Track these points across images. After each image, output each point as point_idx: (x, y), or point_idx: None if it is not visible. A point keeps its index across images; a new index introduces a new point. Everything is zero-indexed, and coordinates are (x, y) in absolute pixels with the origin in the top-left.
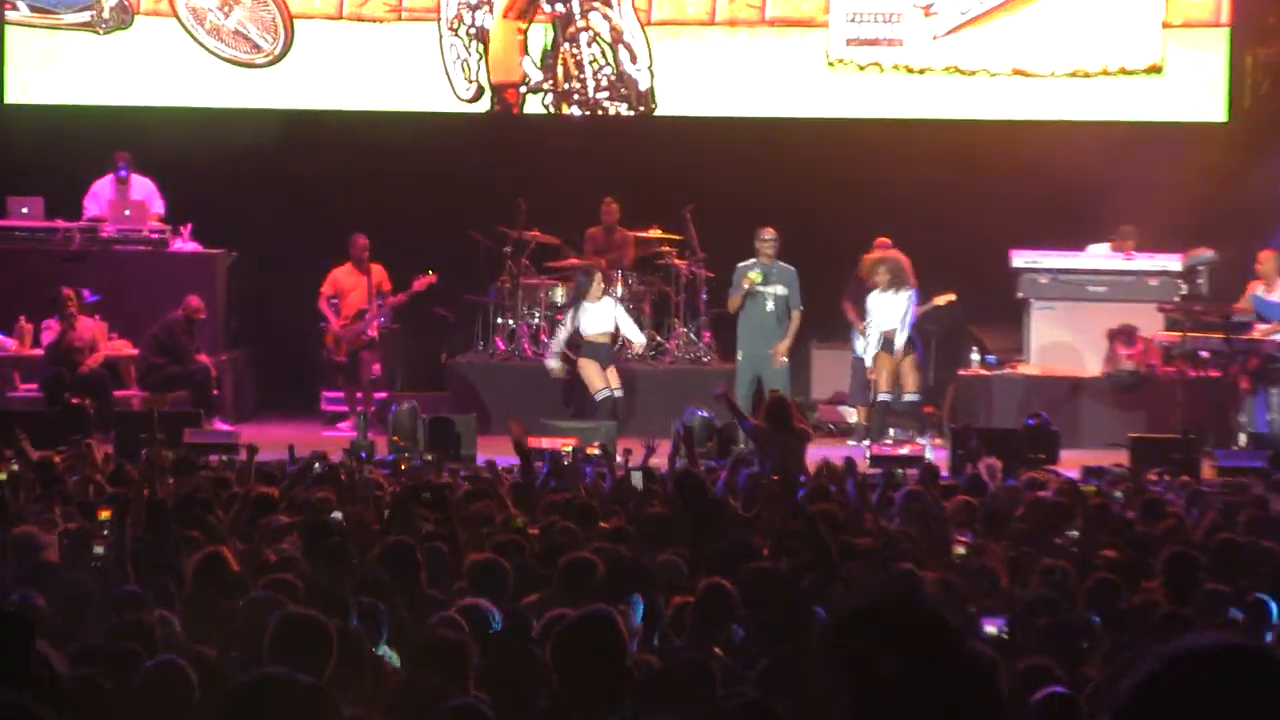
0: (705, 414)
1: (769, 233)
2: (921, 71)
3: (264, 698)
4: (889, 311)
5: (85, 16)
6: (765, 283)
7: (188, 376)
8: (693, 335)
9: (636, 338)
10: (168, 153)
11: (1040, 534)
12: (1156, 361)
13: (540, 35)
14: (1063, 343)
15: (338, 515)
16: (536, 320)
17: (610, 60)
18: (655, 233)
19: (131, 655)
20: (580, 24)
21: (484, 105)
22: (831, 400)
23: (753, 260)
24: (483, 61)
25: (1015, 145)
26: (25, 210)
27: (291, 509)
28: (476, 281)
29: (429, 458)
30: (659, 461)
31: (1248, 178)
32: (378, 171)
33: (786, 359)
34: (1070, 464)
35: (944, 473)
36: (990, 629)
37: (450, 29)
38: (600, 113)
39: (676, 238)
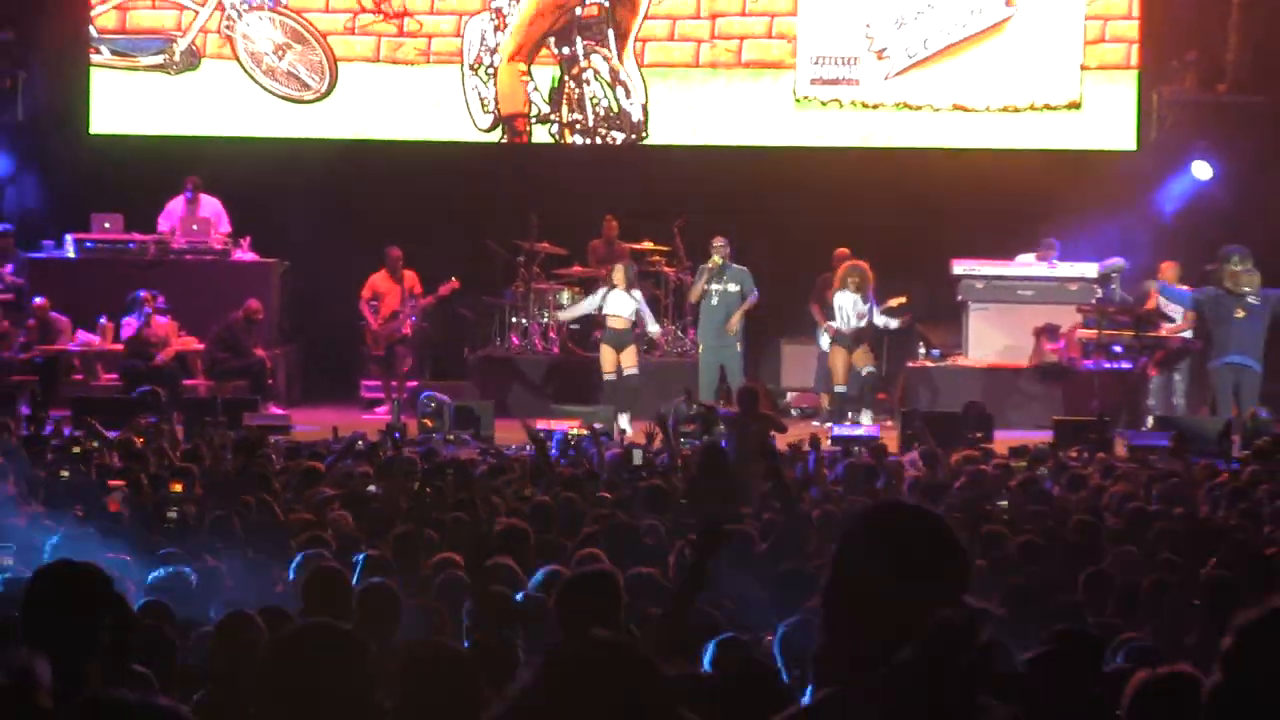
0: (681, 400)
1: (719, 240)
2: (875, 107)
3: (308, 641)
4: (850, 311)
5: (159, 59)
6: (719, 279)
7: (247, 368)
8: (679, 332)
9: (653, 328)
10: (230, 176)
11: (976, 502)
12: (1076, 354)
13: (548, 75)
14: (996, 339)
15: (373, 488)
16: (545, 320)
17: (608, 96)
18: (647, 244)
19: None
20: (583, 64)
21: (499, 135)
22: (799, 389)
23: (707, 264)
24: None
25: (955, 169)
26: (107, 225)
27: (335, 482)
28: (494, 286)
29: (452, 438)
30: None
31: (1153, 198)
32: (409, 191)
33: (739, 338)
34: (1002, 443)
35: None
36: None
37: (471, 69)
38: (599, 141)
39: (665, 249)
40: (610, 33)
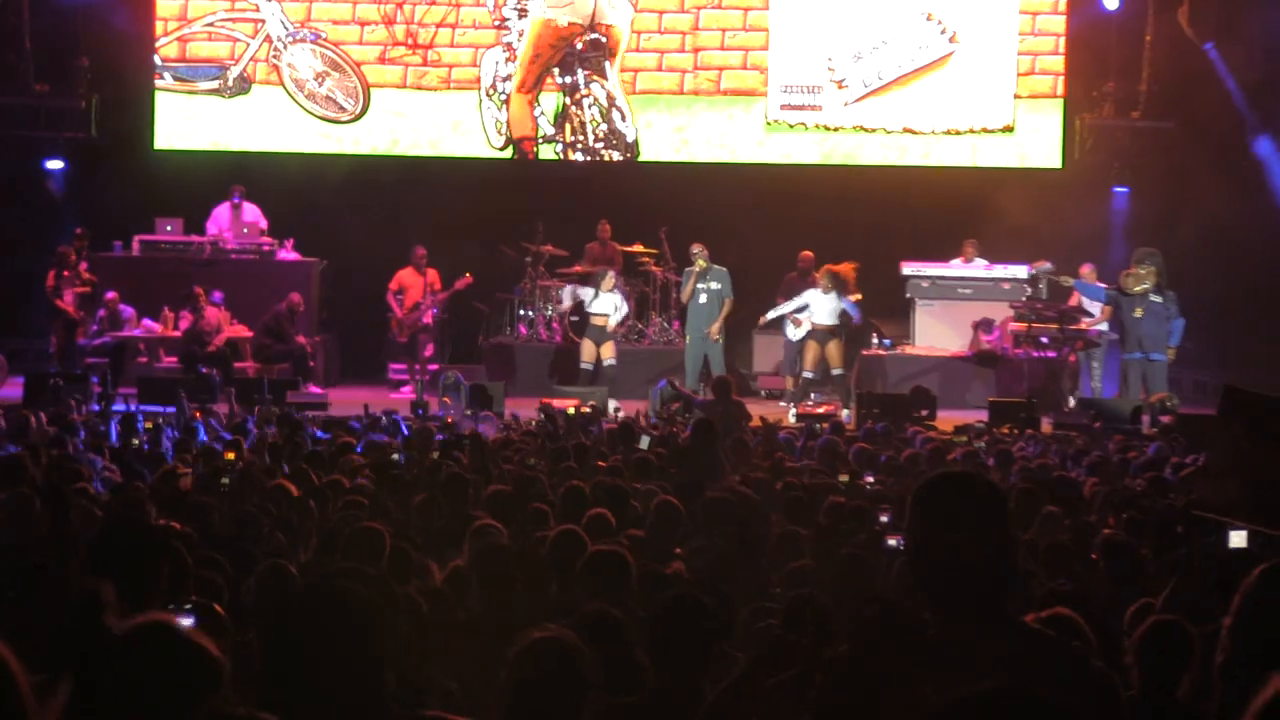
0: (675, 383)
1: (697, 247)
2: (836, 129)
3: (338, 586)
4: (822, 309)
5: (214, 85)
6: (704, 280)
7: (290, 353)
8: (665, 324)
9: (614, 319)
10: (278, 185)
11: (923, 473)
12: (1008, 345)
13: (553, 100)
14: (939, 330)
15: (397, 456)
16: (550, 313)
17: (605, 119)
18: (638, 247)
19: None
20: (584, 92)
21: (510, 153)
22: (770, 373)
23: (692, 266)
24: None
25: (905, 184)
26: (169, 228)
27: (364, 451)
28: (504, 283)
29: (469, 413)
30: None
31: (1076, 210)
32: (432, 200)
33: (721, 337)
34: (945, 421)
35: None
36: (891, 543)
37: (487, 95)
38: (597, 158)
39: (654, 251)
40: (607, 64)
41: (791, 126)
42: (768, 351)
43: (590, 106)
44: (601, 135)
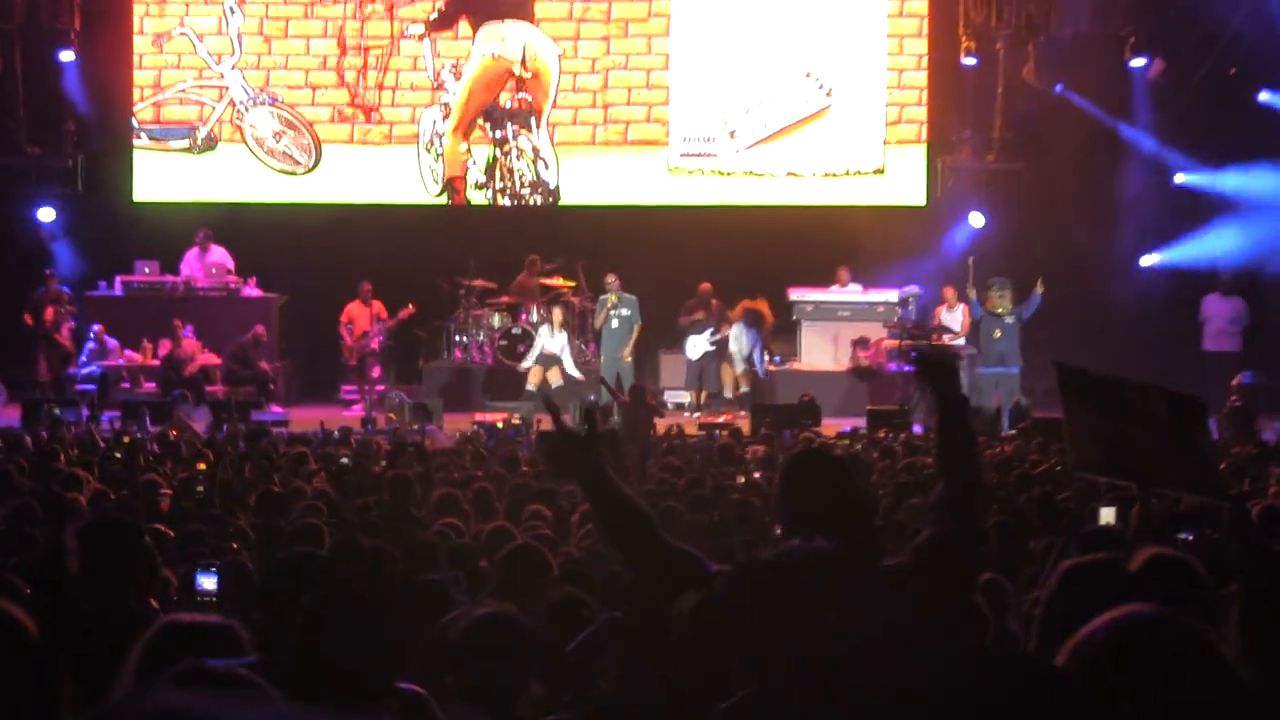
0: (593, 398)
1: (611, 277)
2: (729, 174)
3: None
4: (739, 339)
5: (185, 143)
6: (616, 308)
7: (254, 377)
8: (583, 347)
9: (570, 370)
10: (242, 231)
11: None
12: (883, 360)
13: (484, 152)
14: (822, 348)
15: (346, 461)
16: (481, 338)
17: (530, 167)
18: (558, 280)
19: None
20: (512, 144)
21: (445, 198)
22: (673, 388)
23: (606, 295)
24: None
25: (790, 221)
26: (147, 270)
27: (320, 460)
28: (441, 312)
29: (414, 427)
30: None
31: (938, 241)
32: (376, 241)
33: (631, 358)
34: (829, 428)
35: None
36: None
37: (425, 149)
38: (523, 203)
39: (573, 284)
40: (533, 120)
41: (690, 172)
42: (672, 369)
43: (518, 159)
44: (527, 183)
